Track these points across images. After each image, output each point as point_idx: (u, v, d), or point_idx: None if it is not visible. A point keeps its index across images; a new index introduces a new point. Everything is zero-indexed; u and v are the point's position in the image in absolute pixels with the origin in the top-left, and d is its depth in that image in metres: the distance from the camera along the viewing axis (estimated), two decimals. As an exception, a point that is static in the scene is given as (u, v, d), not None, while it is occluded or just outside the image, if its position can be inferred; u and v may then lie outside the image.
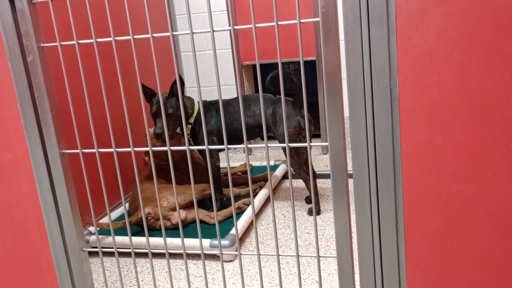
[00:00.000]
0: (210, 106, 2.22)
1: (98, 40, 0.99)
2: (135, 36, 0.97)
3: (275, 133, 2.13)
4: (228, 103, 2.22)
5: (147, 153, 2.39)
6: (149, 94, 2.15)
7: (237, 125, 2.17)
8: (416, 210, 0.93)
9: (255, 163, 2.92)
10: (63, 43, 1.02)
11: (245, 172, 2.81)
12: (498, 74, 0.81)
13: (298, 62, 3.13)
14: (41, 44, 1.04)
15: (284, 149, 2.14)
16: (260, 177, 2.58)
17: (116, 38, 0.98)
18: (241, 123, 2.13)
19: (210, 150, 2.21)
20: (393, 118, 0.88)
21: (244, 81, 3.36)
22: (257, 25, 0.89)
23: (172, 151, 1.03)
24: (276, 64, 3.05)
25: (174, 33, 0.94)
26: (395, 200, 0.93)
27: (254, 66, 3.47)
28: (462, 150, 0.87)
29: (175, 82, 2.12)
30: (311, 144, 0.97)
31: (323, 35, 0.88)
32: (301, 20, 0.87)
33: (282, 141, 2.13)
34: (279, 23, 0.88)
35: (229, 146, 1.02)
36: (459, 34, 0.81)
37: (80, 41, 1.01)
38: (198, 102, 2.24)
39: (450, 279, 0.94)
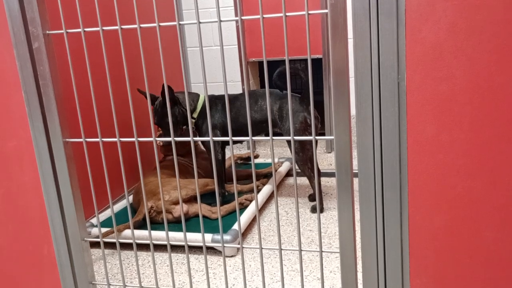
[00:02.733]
0: (216, 101, 2.21)
1: (105, 28, 0.99)
2: (142, 25, 0.96)
3: (281, 129, 2.12)
4: (235, 98, 2.21)
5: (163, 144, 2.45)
6: (151, 99, 2.20)
7: (243, 120, 2.16)
8: (421, 207, 0.92)
9: (259, 160, 2.91)
10: (69, 30, 1.02)
11: (248, 158, 2.84)
12: (509, 70, 0.80)
13: (305, 60, 3.12)
14: (47, 31, 1.03)
15: (289, 145, 2.13)
16: (264, 170, 2.60)
17: (123, 26, 0.97)
18: (247, 118, 2.12)
19: (213, 144, 2.21)
20: (400, 113, 0.87)
21: (249, 77, 3.35)
22: (264, 15, 0.88)
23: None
24: (282, 61, 3.04)
25: (181, 22, 0.94)
26: (400, 196, 0.92)
27: (260, 63, 3.46)
28: (469, 147, 0.86)
29: (163, 90, 2.13)
30: (317, 138, 0.96)
31: (331, 28, 0.87)
32: (310, 12, 0.86)
33: (288, 136, 2.12)
34: (287, 14, 0.87)
35: (233, 138, 1.01)
36: (469, 28, 0.80)
37: (86, 29, 1.00)
38: (204, 96, 2.24)
39: (454, 278, 0.93)
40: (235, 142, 2.70)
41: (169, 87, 2.12)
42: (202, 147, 2.53)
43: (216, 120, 2.18)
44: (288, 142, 2.18)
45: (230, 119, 0.97)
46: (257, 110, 2.15)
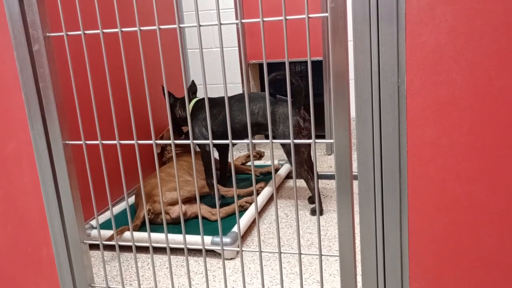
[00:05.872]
0: (203, 105, 2.25)
1: (105, 31, 0.99)
2: (142, 28, 0.96)
3: (274, 133, 2.14)
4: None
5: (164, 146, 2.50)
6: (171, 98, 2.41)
7: (233, 123, 2.19)
8: (421, 210, 0.92)
9: (258, 162, 2.91)
10: (69, 33, 1.02)
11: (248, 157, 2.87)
12: (509, 74, 0.80)
13: (305, 63, 3.12)
14: (47, 34, 1.03)
15: (283, 148, 2.16)
16: (264, 170, 2.63)
17: (123, 29, 0.97)
18: (237, 121, 2.17)
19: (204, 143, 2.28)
20: (400, 117, 0.87)
21: (250, 79, 3.35)
22: (265, 19, 0.88)
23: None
24: (282, 63, 3.04)
25: (181, 25, 0.94)
26: (399, 200, 0.92)
27: (260, 65, 3.46)
28: (469, 151, 0.86)
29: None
30: (317, 141, 0.96)
31: (331, 31, 0.87)
32: (310, 15, 0.86)
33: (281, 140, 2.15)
34: (287, 17, 0.87)
35: (233, 141, 1.01)
36: (469, 33, 0.80)
37: (87, 32, 1.00)
38: (195, 100, 2.33)
39: (453, 281, 0.93)
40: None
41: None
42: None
43: (202, 123, 2.23)
44: (282, 145, 2.22)
45: (229, 122, 0.97)
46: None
